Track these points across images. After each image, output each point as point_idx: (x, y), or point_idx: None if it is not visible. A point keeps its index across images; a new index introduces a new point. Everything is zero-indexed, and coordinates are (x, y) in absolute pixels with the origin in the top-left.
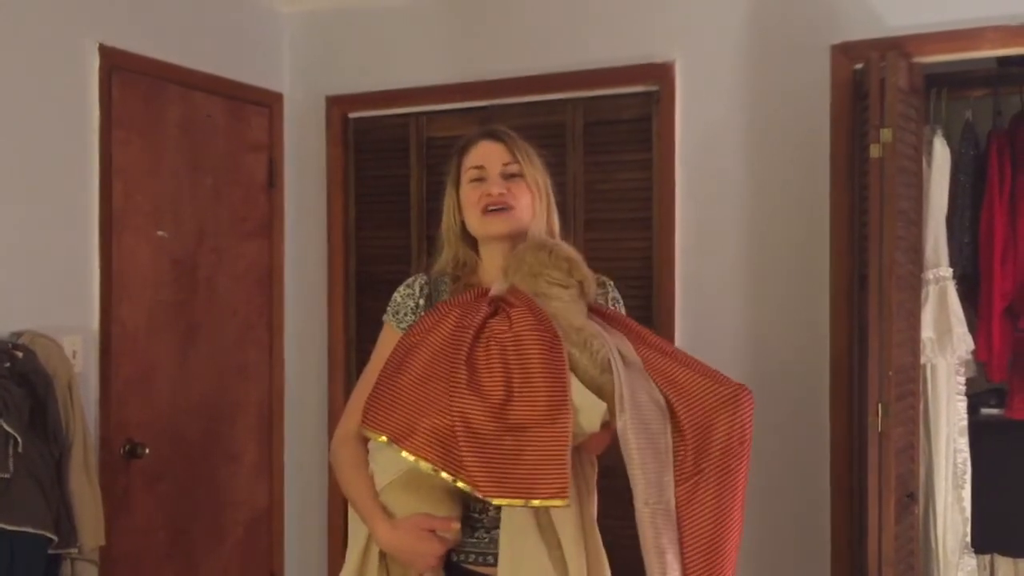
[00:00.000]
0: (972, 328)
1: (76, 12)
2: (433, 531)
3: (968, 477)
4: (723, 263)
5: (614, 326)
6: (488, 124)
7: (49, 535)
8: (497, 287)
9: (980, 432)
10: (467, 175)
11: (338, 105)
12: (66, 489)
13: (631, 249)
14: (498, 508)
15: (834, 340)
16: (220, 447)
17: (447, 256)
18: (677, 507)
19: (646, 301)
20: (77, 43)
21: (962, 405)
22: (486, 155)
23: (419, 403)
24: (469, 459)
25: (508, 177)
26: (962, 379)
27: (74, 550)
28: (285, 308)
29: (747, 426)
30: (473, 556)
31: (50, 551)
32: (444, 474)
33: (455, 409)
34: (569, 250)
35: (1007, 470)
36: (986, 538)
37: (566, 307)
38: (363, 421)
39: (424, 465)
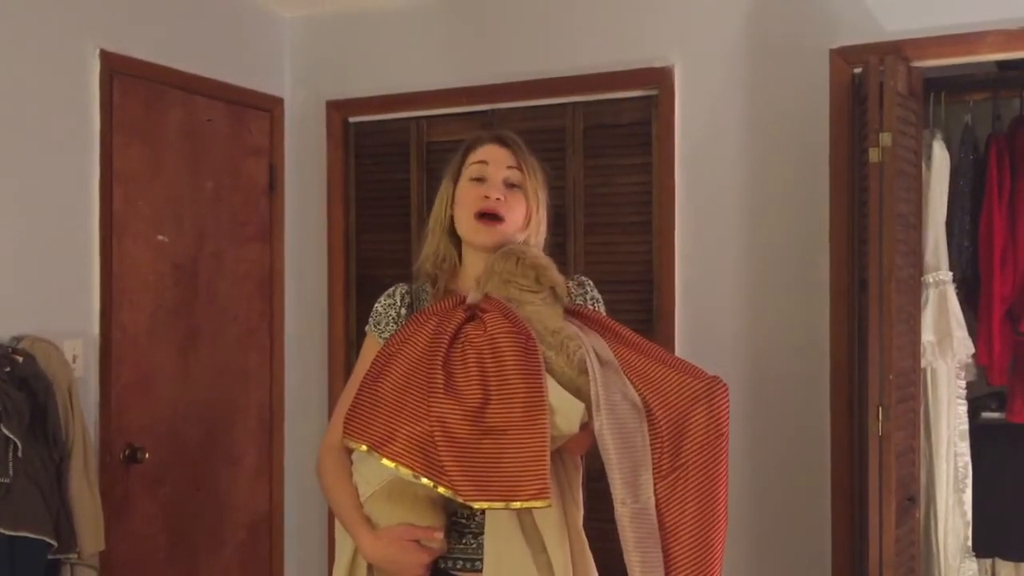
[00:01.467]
0: (972, 332)
1: (77, 17)
2: (417, 541)
3: (969, 481)
4: (723, 266)
5: (590, 326)
6: (491, 128)
7: (49, 540)
8: (472, 296)
9: (981, 436)
10: (469, 172)
11: (338, 109)
12: (66, 494)
13: (631, 253)
14: (484, 513)
15: (834, 343)
16: (220, 451)
17: (429, 249)
18: (658, 504)
19: (646, 305)
20: (78, 48)
21: (963, 409)
22: (492, 157)
23: (398, 410)
24: (449, 463)
25: (509, 186)
26: (962, 383)
27: (74, 555)
28: (285, 312)
29: (723, 419)
30: (461, 562)
31: (50, 556)
32: (424, 480)
33: (433, 414)
34: (537, 257)
35: (1008, 474)
36: (987, 542)
37: (539, 311)
38: (344, 431)
39: (404, 471)
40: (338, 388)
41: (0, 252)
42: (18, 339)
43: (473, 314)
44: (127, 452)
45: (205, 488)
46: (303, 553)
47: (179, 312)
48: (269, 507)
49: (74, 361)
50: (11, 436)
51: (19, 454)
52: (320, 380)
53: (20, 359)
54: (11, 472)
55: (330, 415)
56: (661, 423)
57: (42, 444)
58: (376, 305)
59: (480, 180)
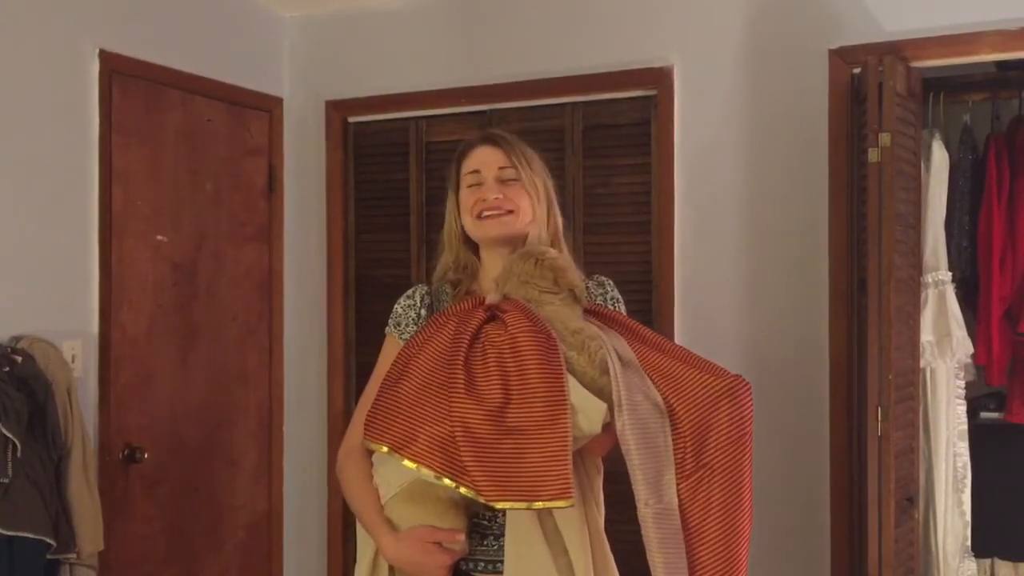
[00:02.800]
0: (971, 332)
1: (76, 17)
2: (439, 543)
3: (968, 481)
4: (722, 267)
5: (611, 326)
6: (487, 128)
7: (48, 540)
8: (491, 298)
9: (980, 436)
10: (465, 180)
11: (338, 109)
12: (65, 494)
13: (630, 253)
14: (506, 515)
15: (833, 344)
16: (219, 452)
17: (448, 259)
18: (681, 505)
19: (645, 305)
20: (77, 48)
21: (962, 409)
22: (482, 160)
23: (419, 411)
24: (470, 464)
25: (504, 182)
26: (961, 383)
27: (73, 555)
28: (285, 312)
29: (746, 418)
30: (483, 564)
31: (49, 556)
32: (446, 480)
33: (454, 414)
34: (557, 259)
35: (1007, 474)
36: (986, 542)
37: (559, 310)
38: (365, 433)
39: (426, 472)
40: (337, 388)
41: None
42: (17, 339)
43: (493, 314)
44: (126, 452)
45: (204, 488)
46: (302, 553)
47: (178, 312)
48: (268, 507)
49: (73, 361)
50: (10, 436)
51: (18, 454)
52: (319, 380)
53: (19, 359)
54: (10, 472)
55: (329, 415)
56: (684, 423)
57: (41, 444)
58: (396, 306)
59: (477, 186)
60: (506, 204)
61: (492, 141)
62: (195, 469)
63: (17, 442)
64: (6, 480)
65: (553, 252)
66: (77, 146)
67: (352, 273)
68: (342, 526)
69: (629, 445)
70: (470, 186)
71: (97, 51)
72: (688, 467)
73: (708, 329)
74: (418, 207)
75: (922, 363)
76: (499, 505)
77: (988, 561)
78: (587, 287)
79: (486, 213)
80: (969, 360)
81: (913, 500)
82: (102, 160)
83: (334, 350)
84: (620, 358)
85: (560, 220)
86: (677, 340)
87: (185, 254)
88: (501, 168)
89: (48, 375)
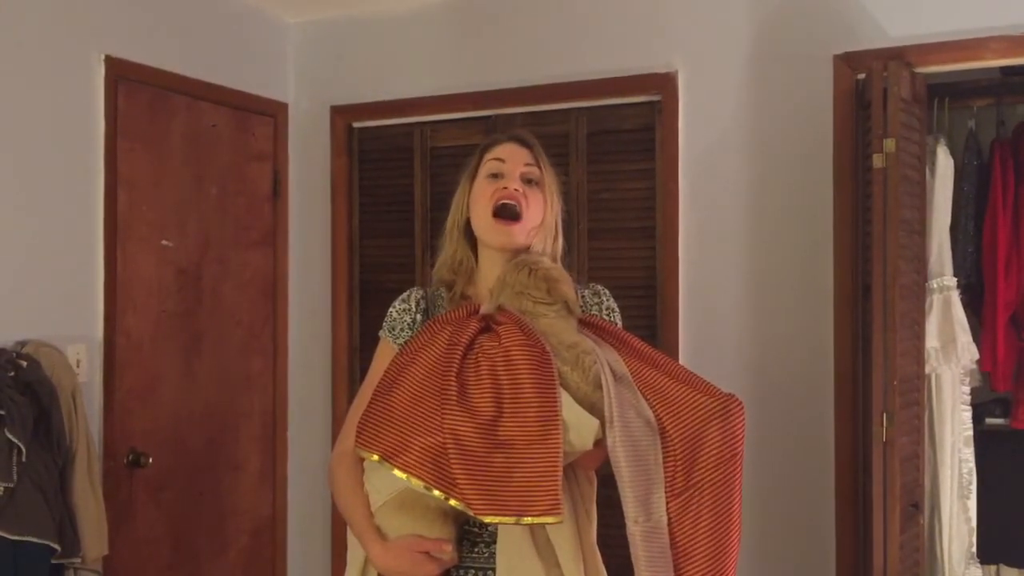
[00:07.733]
0: (977, 337)
1: (82, 23)
2: (427, 552)
3: (973, 487)
4: (727, 272)
5: (605, 339)
6: (504, 131)
7: (52, 545)
8: (486, 308)
9: (985, 442)
10: (486, 168)
11: (342, 115)
12: (69, 498)
13: (634, 258)
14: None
15: (838, 349)
16: (224, 456)
17: (446, 254)
18: (670, 524)
19: (650, 311)
20: (83, 54)
21: (967, 414)
22: (509, 155)
23: (411, 421)
24: (460, 476)
25: (527, 182)
26: (967, 388)
27: (77, 560)
28: (289, 317)
29: (738, 438)
30: (473, 572)
31: (53, 561)
32: (436, 492)
33: (446, 426)
34: (551, 270)
35: (1012, 480)
36: (991, 548)
37: (554, 323)
38: (356, 440)
39: (416, 483)
40: (341, 393)
41: (5, 257)
42: (22, 344)
43: (487, 325)
44: (130, 457)
45: (208, 493)
46: (306, 558)
47: (183, 317)
48: (272, 512)
49: (78, 366)
50: (15, 441)
51: (23, 459)
52: (323, 385)
53: (24, 364)
54: (15, 477)
55: (333, 420)
56: (675, 441)
57: (46, 449)
58: (391, 310)
59: (497, 176)
60: (521, 200)
61: (522, 141)
62: (199, 474)
63: (22, 447)
64: (11, 485)
65: (547, 262)
66: (82, 151)
67: (356, 278)
68: (346, 531)
69: (620, 462)
70: (490, 175)
71: (103, 57)
72: (678, 486)
73: (712, 334)
74: (422, 212)
75: (927, 369)
76: (488, 519)
77: (994, 567)
78: (583, 296)
79: (504, 201)
80: (974, 366)
81: (918, 506)
82: (107, 165)
83: (338, 355)
84: (613, 373)
85: (562, 243)
86: (681, 345)
87: (190, 259)
88: (527, 165)
89: (53, 380)
